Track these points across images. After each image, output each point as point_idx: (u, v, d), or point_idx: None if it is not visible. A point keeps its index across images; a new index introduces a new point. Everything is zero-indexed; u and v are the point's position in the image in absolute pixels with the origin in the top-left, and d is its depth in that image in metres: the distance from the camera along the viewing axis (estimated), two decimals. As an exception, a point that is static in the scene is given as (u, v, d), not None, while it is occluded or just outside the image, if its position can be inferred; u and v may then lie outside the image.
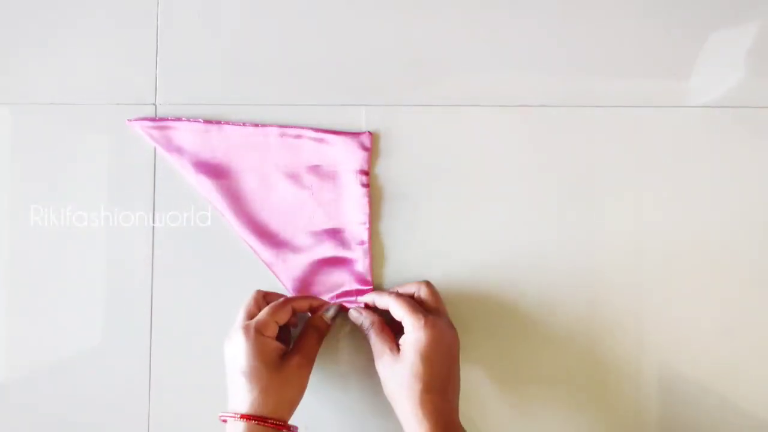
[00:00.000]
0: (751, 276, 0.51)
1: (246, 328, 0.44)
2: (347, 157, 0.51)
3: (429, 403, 0.42)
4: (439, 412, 0.42)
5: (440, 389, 0.43)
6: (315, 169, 0.51)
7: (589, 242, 0.51)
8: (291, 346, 0.47)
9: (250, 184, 0.51)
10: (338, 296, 0.51)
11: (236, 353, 0.44)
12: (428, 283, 0.49)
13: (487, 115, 0.52)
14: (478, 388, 0.51)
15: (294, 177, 0.51)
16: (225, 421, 0.44)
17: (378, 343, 0.46)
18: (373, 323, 0.47)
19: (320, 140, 0.51)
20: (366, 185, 0.51)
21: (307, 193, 0.51)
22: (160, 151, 0.52)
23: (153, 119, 0.52)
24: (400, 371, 0.43)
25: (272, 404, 0.43)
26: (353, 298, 0.51)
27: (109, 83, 0.52)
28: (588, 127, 0.52)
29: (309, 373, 0.46)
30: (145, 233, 0.52)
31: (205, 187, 0.51)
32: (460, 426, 0.44)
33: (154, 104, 0.52)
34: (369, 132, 0.51)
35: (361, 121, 0.52)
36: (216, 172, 0.51)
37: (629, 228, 0.51)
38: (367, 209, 0.51)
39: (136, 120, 0.52)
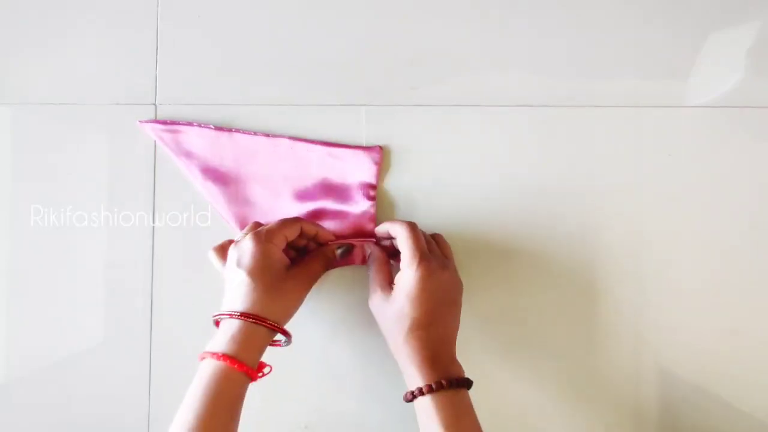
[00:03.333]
0: (750, 276, 0.51)
1: (257, 235, 0.45)
2: (356, 171, 0.51)
3: (415, 338, 0.43)
4: (426, 345, 0.43)
5: (426, 324, 0.43)
6: (323, 182, 0.51)
7: (589, 242, 0.51)
8: (296, 264, 0.47)
9: (257, 193, 0.51)
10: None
11: (243, 255, 0.44)
12: (440, 235, 0.50)
13: (487, 115, 0.52)
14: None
15: (302, 188, 0.51)
16: (218, 323, 0.44)
17: (374, 281, 0.46)
18: (375, 259, 0.48)
19: (329, 154, 0.51)
20: (373, 198, 0.51)
21: (314, 205, 0.51)
22: (169, 154, 0.51)
23: (164, 122, 0.51)
24: (389, 311, 0.44)
25: (271, 307, 0.43)
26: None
27: (109, 83, 0.52)
28: (588, 127, 0.52)
29: (307, 291, 0.46)
30: (145, 233, 0.52)
31: (212, 194, 0.51)
32: (454, 359, 0.44)
33: (154, 104, 0.52)
34: (379, 146, 0.51)
35: (361, 121, 0.52)
36: (224, 179, 0.51)
37: (629, 227, 0.51)
38: (373, 223, 0.51)
39: (147, 122, 0.51)
